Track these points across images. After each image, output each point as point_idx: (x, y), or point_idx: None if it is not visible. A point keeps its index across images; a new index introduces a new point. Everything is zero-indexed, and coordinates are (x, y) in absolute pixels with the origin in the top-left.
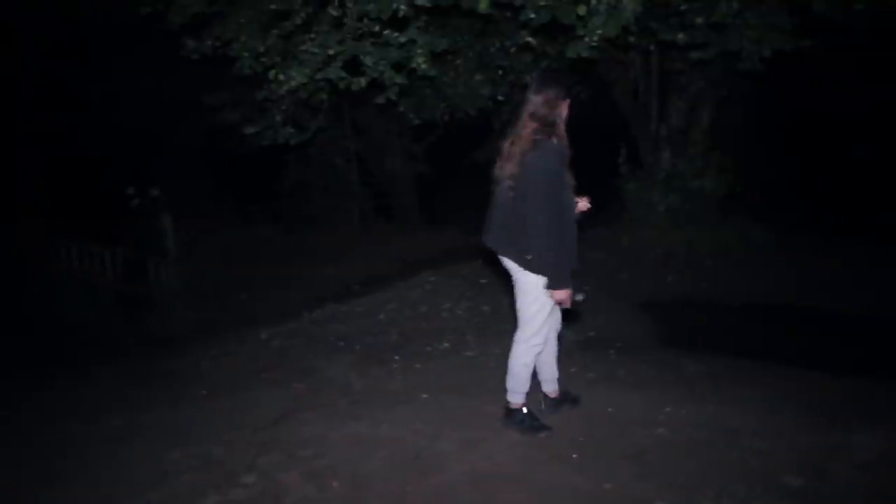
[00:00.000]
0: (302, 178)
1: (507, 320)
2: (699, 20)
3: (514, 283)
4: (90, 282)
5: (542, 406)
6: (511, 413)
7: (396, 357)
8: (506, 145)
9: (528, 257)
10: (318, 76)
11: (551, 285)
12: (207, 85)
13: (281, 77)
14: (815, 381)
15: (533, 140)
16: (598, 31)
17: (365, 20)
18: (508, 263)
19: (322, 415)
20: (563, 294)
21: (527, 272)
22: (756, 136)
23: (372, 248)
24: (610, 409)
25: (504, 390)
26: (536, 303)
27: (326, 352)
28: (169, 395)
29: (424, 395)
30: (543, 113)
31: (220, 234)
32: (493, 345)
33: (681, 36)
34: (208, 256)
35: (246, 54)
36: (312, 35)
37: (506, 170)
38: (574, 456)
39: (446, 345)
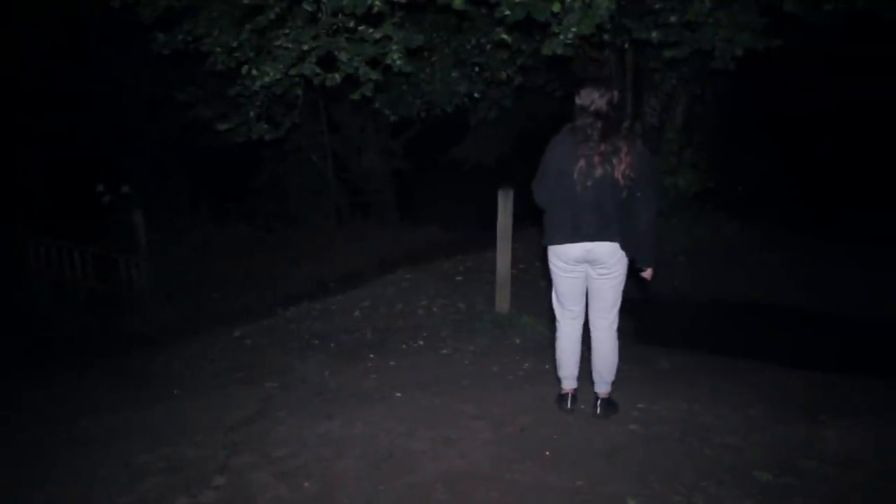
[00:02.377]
0: (278, 174)
1: (482, 318)
2: (673, 19)
3: (594, 273)
4: (62, 280)
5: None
6: (611, 404)
7: (371, 355)
8: (590, 148)
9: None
10: (293, 72)
11: (652, 264)
12: (181, 80)
13: (254, 72)
14: (787, 377)
15: (633, 138)
16: (573, 29)
17: (340, 15)
18: (600, 252)
19: (295, 414)
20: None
21: (624, 258)
22: (730, 134)
23: (349, 244)
24: (583, 406)
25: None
26: (622, 286)
27: (300, 350)
28: (140, 395)
29: (398, 394)
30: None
31: (195, 232)
32: (468, 342)
33: (654, 34)
34: (182, 254)
35: (219, 49)
36: (286, 30)
37: (617, 170)
38: (547, 453)
39: (421, 342)
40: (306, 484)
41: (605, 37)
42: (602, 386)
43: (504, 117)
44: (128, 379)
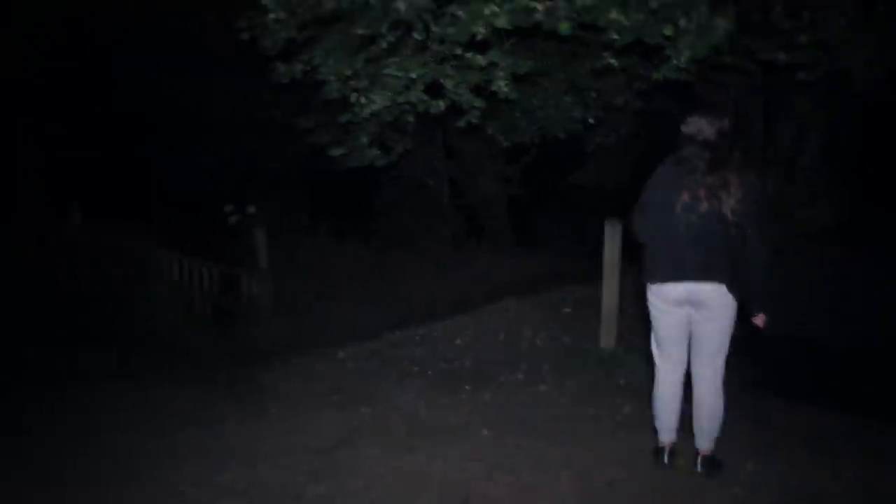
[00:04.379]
0: (395, 197)
1: (587, 353)
2: (804, 39)
3: (698, 317)
4: (190, 294)
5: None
6: (714, 462)
7: (467, 387)
8: (695, 181)
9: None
10: (400, 99)
11: (765, 309)
12: (302, 107)
13: (362, 101)
14: None
15: (745, 171)
16: (687, 53)
17: (447, 43)
18: (704, 294)
19: (380, 444)
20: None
21: (732, 302)
22: (872, 163)
23: (460, 270)
24: (682, 462)
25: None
26: (729, 332)
27: (398, 376)
28: (239, 410)
29: (486, 431)
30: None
31: (313, 251)
32: (569, 379)
33: (782, 55)
34: (300, 272)
35: (333, 78)
36: (395, 59)
37: (726, 205)
38: None
39: (520, 376)
40: None
41: (727, 59)
42: (704, 442)
43: (624, 143)
44: (232, 393)
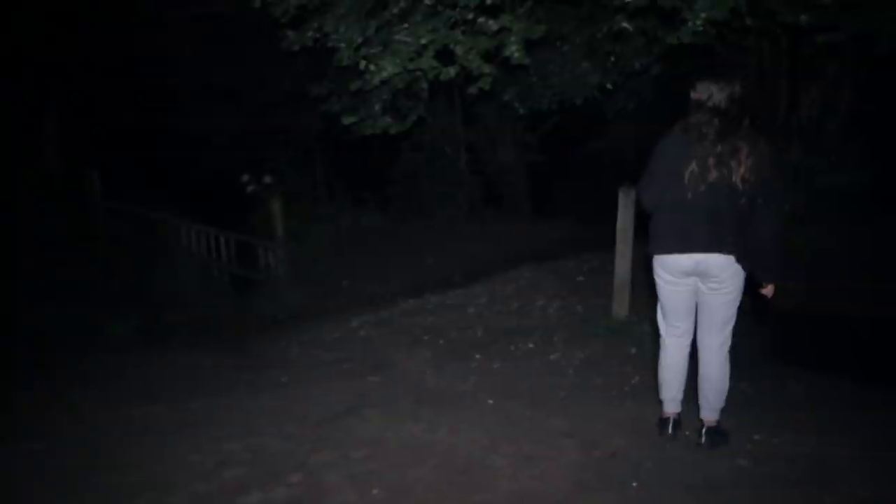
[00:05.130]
0: (413, 165)
1: (598, 322)
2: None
3: (705, 288)
4: (208, 263)
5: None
6: (718, 433)
7: (477, 356)
8: (704, 149)
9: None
10: (410, 66)
11: (775, 278)
12: (315, 75)
13: (372, 68)
14: None
15: (756, 138)
16: (703, 15)
17: (458, 8)
18: (712, 265)
19: (385, 413)
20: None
21: (740, 272)
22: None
23: (478, 238)
24: (687, 433)
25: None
26: (737, 303)
27: (409, 344)
28: (251, 379)
29: (491, 401)
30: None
31: (330, 220)
32: (580, 348)
33: (804, 17)
34: (317, 241)
35: (343, 45)
36: (406, 25)
37: (736, 173)
38: (634, 484)
39: (531, 345)
40: (375, 490)
41: (747, 21)
42: (708, 412)
43: (645, 109)
44: (246, 362)
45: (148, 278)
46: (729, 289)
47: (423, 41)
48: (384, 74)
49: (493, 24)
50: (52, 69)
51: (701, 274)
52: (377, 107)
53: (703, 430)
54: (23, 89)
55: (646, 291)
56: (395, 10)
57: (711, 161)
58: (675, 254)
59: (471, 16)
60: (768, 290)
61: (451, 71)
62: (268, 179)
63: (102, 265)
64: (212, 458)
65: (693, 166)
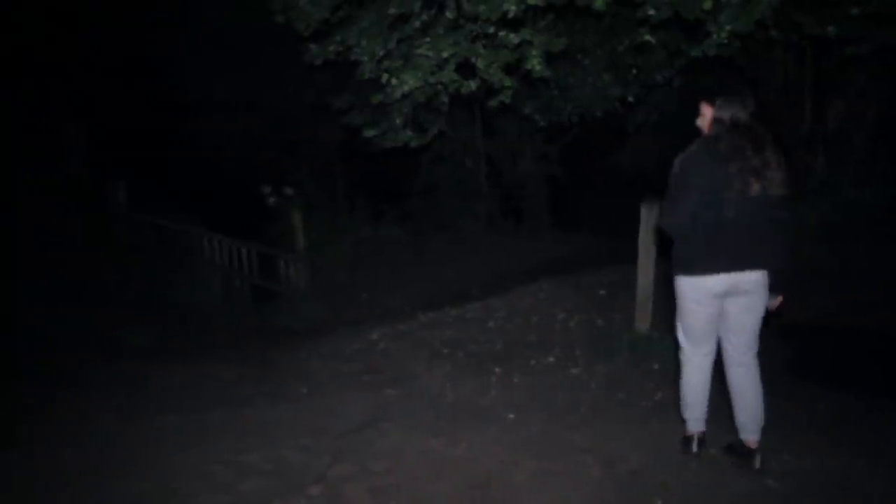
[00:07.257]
0: (433, 178)
1: (620, 337)
2: (854, 11)
3: (736, 306)
4: (230, 274)
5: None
6: (757, 452)
7: (497, 369)
8: (742, 165)
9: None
10: (431, 79)
11: (783, 290)
12: (337, 88)
13: (394, 81)
14: None
15: (780, 151)
16: (728, 27)
17: (479, 22)
18: (748, 282)
19: (405, 426)
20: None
21: (767, 286)
22: None
23: (497, 251)
24: (713, 451)
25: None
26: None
27: (428, 358)
28: (272, 391)
29: (511, 415)
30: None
31: (350, 232)
32: (601, 363)
33: (831, 29)
34: (337, 253)
35: (365, 58)
36: (428, 38)
37: (772, 186)
38: (658, 503)
39: (551, 359)
40: None
41: (773, 34)
42: (751, 434)
43: (667, 122)
44: (267, 374)
45: (170, 288)
46: (760, 305)
47: (445, 54)
48: (406, 88)
49: (514, 38)
50: (76, 75)
51: (734, 293)
52: (398, 120)
53: (755, 454)
54: (47, 96)
55: (668, 306)
56: (417, 24)
57: (751, 176)
58: (712, 274)
59: (492, 29)
60: (775, 303)
61: (472, 84)
62: (289, 191)
63: (125, 274)
64: (231, 469)
65: (736, 183)
